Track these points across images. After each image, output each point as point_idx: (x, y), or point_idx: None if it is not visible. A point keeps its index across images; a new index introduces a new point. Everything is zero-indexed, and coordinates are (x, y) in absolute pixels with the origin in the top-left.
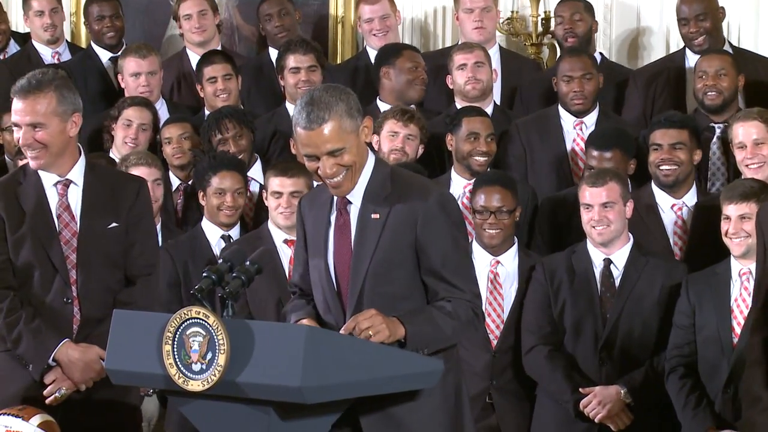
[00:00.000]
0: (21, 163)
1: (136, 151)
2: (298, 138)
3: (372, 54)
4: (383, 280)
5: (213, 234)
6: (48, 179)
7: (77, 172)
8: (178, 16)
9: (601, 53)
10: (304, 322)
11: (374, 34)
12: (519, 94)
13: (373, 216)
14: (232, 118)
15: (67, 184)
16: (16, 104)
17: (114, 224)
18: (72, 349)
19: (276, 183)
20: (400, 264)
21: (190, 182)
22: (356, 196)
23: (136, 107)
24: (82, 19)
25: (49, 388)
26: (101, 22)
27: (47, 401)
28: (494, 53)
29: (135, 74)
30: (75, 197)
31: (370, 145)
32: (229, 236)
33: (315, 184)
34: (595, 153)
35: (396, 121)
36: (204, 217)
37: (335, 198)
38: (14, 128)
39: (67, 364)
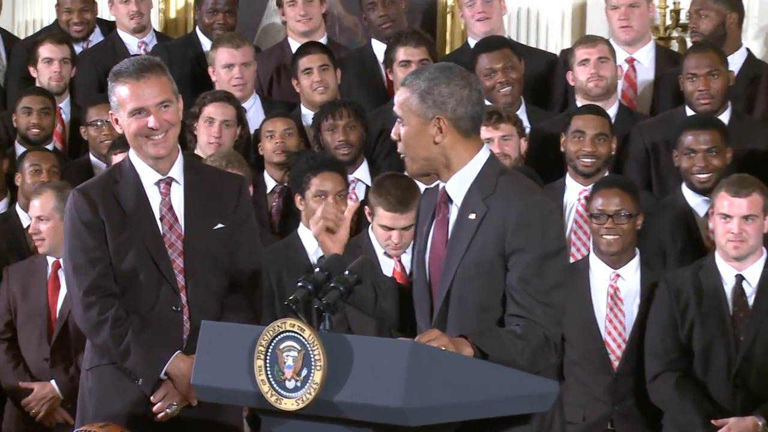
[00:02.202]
0: (115, 159)
1: (220, 152)
2: None
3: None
4: (469, 285)
5: (311, 242)
6: (148, 177)
7: (178, 170)
8: (282, 2)
9: (748, 49)
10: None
11: (477, 20)
12: (656, 92)
13: (470, 216)
14: (350, 107)
15: (169, 182)
16: (136, 89)
17: (220, 225)
18: (184, 362)
19: (387, 217)
20: (486, 271)
21: (286, 183)
22: (458, 192)
23: (217, 103)
24: (173, 3)
25: (159, 404)
26: (214, 16)
27: (158, 417)
28: (648, 51)
29: (228, 66)
30: (177, 197)
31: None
32: None
33: None
34: (689, 135)
35: (485, 126)
36: (301, 224)
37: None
38: (131, 118)
39: (180, 378)
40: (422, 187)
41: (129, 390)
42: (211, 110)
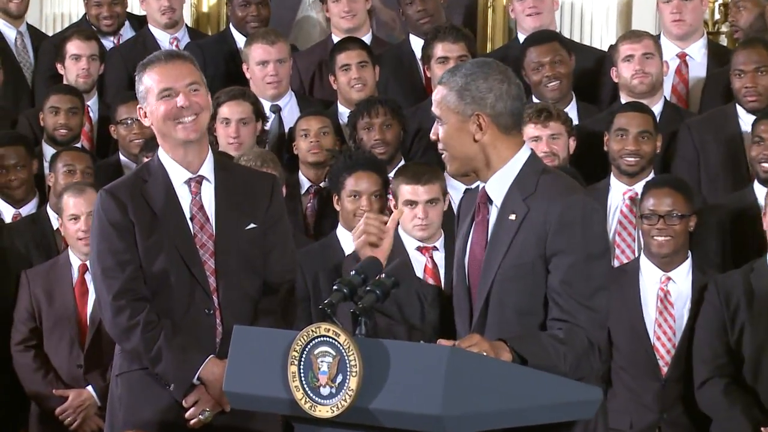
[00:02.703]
0: (146, 160)
1: (254, 151)
2: None
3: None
4: (509, 288)
5: (348, 243)
6: (178, 176)
7: (208, 168)
8: None
9: None
10: (442, 341)
11: (527, 14)
12: (703, 90)
13: (510, 217)
14: (386, 104)
15: (199, 180)
16: (164, 71)
17: (252, 225)
18: (217, 366)
19: (409, 191)
20: (527, 273)
21: (321, 184)
22: (498, 193)
23: (231, 102)
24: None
25: (191, 410)
26: (246, 8)
27: (190, 424)
28: (701, 47)
29: (262, 62)
30: (208, 196)
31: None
32: None
33: (449, 188)
34: (762, 124)
35: (534, 124)
36: (339, 224)
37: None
38: (160, 101)
39: (213, 383)
40: (462, 187)
41: (160, 396)
42: (226, 110)
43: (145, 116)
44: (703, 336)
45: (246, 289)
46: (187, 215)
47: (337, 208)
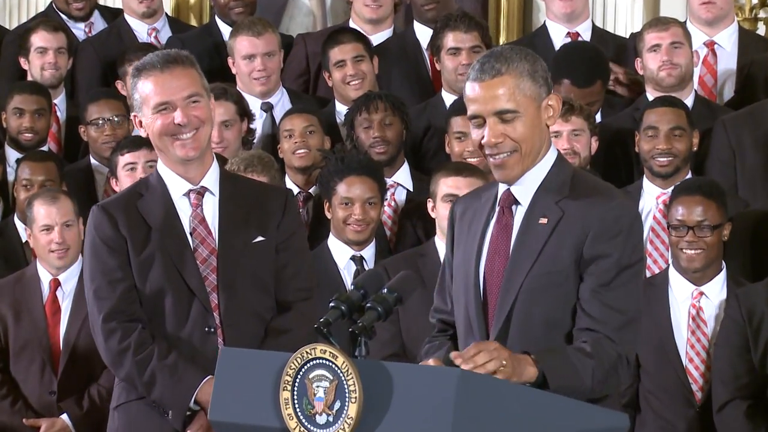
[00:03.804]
0: (121, 160)
1: (242, 155)
2: (465, 96)
3: (554, 29)
4: (538, 299)
5: (341, 254)
6: (177, 188)
7: (212, 180)
8: None
9: None
10: (430, 362)
11: None
12: (740, 81)
13: (540, 220)
14: (386, 100)
15: (201, 192)
16: (160, 81)
17: (260, 238)
18: None
19: (449, 184)
20: (560, 282)
21: (311, 190)
22: (525, 195)
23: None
24: None
25: None
26: None
27: None
28: (731, 34)
29: (249, 56)
30: (211, 208)
31: None
32: (361, 257)
33: None
34: None
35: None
36: (330, 234)
37: (499, 196)
38: (156, 115)
39: None
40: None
41: (161, 427)
42: None
43: (141, 125)
44: (724, 354)
45: (254, 307)
46: (187, 229)
47: (329, 215)
